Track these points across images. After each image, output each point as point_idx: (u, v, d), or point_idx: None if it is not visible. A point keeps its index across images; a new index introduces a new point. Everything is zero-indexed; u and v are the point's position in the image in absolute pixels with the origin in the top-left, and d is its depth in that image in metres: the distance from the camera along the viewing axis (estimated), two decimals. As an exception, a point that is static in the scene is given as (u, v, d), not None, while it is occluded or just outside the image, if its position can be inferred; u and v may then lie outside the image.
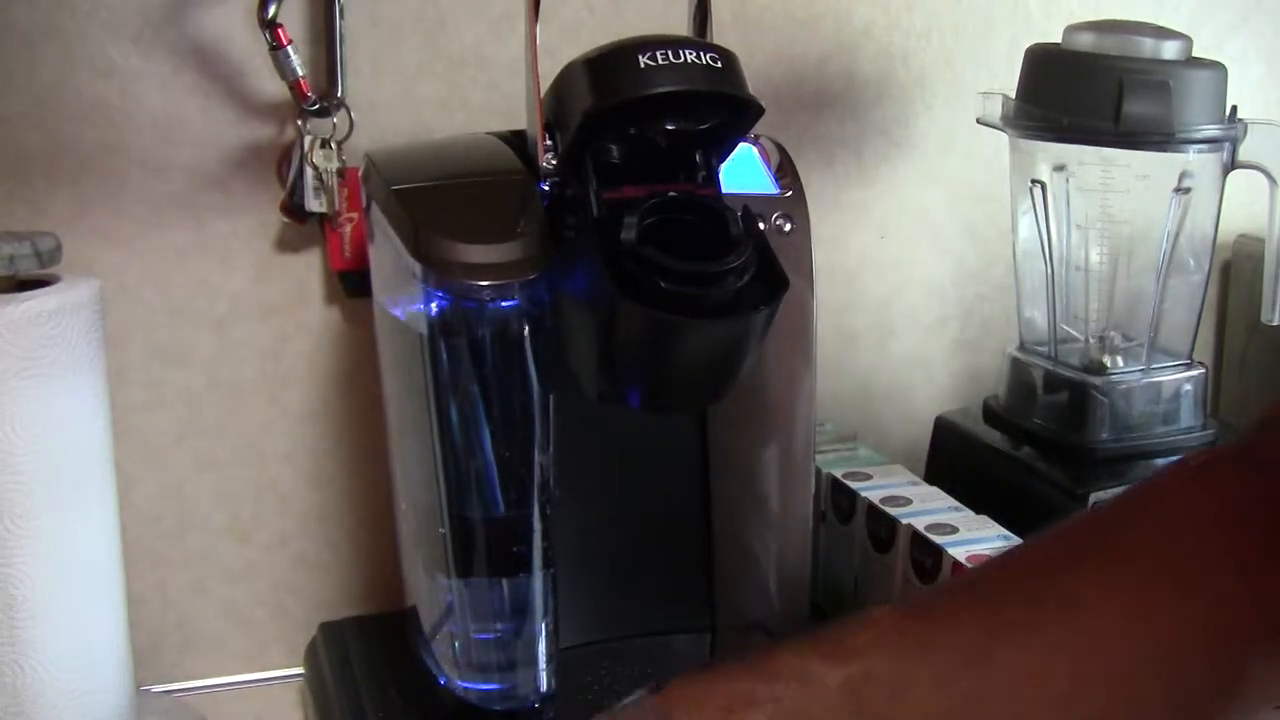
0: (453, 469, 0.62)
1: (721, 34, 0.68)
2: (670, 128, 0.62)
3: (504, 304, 0.59)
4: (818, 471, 0.81)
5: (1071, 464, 0.80)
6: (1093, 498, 0.75)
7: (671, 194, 0.60)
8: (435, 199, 0.62)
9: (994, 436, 0.87)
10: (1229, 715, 0.46)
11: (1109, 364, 0.84)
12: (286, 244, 0.80)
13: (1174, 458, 0.80)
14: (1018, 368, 0.87)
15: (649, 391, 0.62)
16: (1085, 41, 0.79)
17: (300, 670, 0.82)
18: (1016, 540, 0.73)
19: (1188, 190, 0.81)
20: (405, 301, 0.63)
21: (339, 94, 0.77)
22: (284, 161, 0.78)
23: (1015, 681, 0.47)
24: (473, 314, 0.59)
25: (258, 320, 0.80)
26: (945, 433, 0.90)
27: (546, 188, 0.62)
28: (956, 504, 0.78)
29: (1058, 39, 0.81)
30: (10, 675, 0.63)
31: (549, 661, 0.65)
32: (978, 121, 0.86)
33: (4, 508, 0.62)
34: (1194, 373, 0.84)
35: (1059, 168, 0.83)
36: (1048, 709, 0.46)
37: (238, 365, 0.80)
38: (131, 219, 0.77)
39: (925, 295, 0.96)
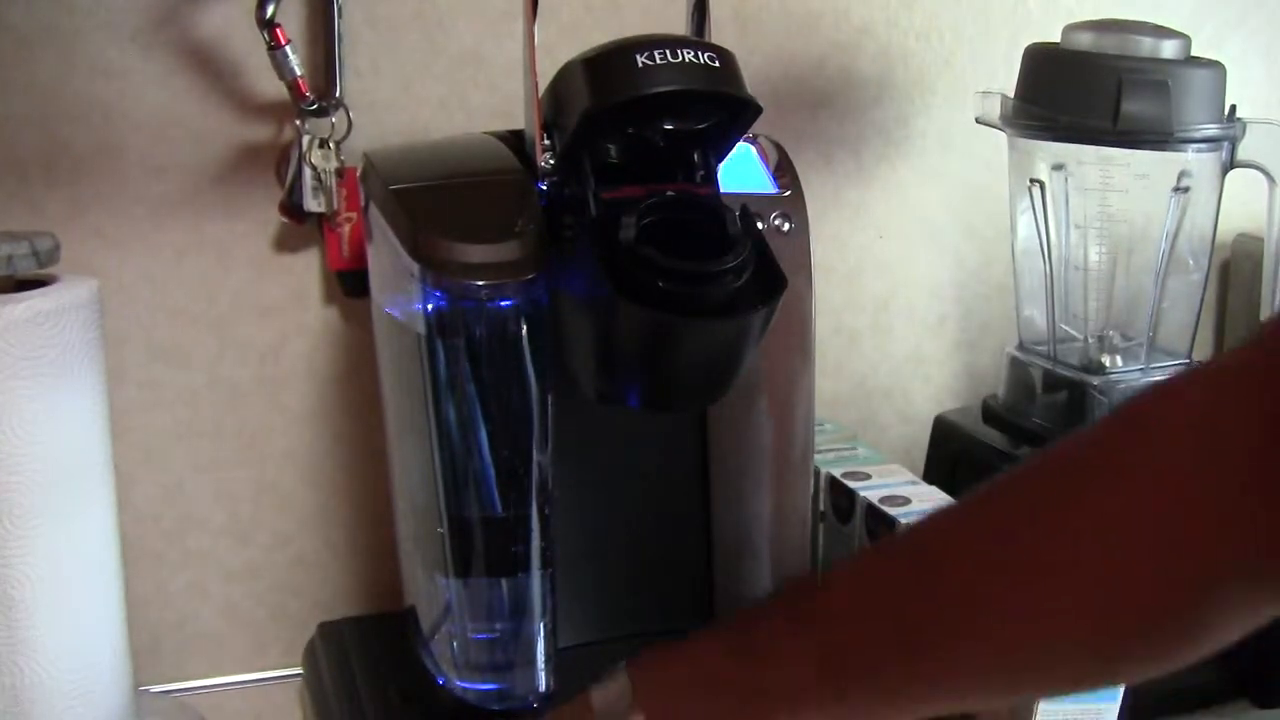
0: (451, 469, 0.62)
1: (720, 33, 0.68)
2: (668, 127, 0.62)
3: (502, 303, 0.59)
4: (817, 471, 0.81)
5: (1070, 463, 0.80)
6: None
7: (670, 193, 0.60)
8: (433, 199, 0.62)
9: (993, 436, 0.87)
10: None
11: (1108, 363, 0.84)
12: (285, 244, 0.80)
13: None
14: (1017, 367, 0.87)
15: (648, 391, 0.62)
16: (1084, 41, 0.79)
17: (299, 670, 0.82)
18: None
19: (1187, 189, 0.81)
20: (403, 301, 0.62)
21: (337, 94, 0.77)
22: (282, 161, 0.78)
23: None
24: (471, 313, 0.59)
25: (256, 320, 0.80)
26: (944, 432, 0.90)
27: (545, 187, 0.62)
28: (955, 503, 0.78)
29: (1057, 38, 0.81)
30: (10, 675, 0.63)
31: (547, 661, 0.65)
32: (977, 121, 0.86)
33: (3, 508, 0.61)
34: (1193, 372, 0.84)
35: (1058, 167, 0.83)
36: None
37: (236, 365, 0.80)
38: (130, 219, 0.77)
39: (924, 294, 0.96)
